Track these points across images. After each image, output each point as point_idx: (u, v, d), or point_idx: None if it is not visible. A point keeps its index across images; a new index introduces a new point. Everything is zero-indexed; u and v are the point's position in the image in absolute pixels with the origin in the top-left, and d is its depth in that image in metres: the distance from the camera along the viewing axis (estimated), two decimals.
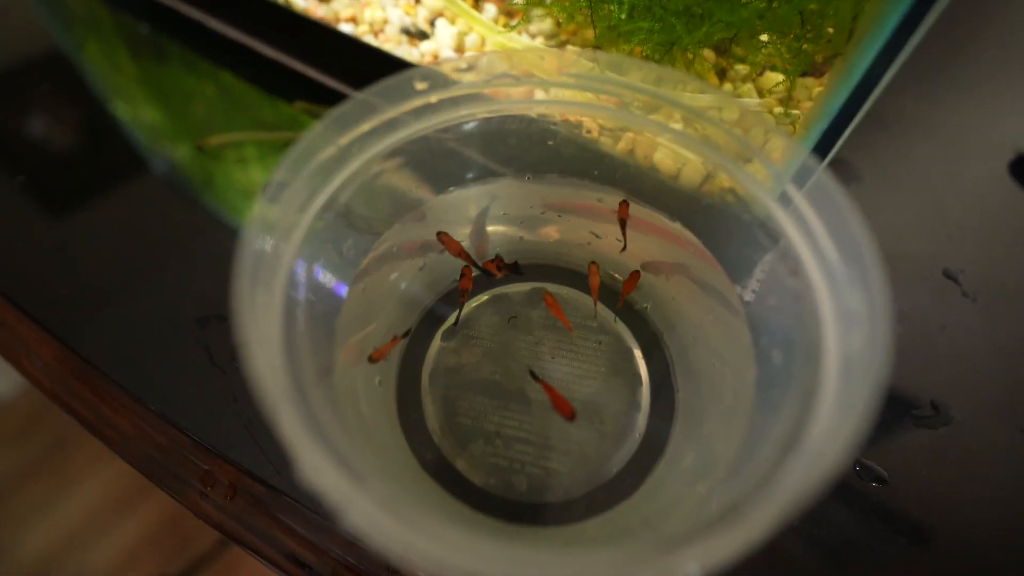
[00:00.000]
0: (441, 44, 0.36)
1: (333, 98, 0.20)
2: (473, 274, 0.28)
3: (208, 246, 0.34)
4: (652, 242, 0.28)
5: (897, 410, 0.29)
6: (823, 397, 0.16)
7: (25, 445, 0.92)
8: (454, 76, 0.22)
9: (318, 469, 0.14)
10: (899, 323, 0.31)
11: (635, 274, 0.28)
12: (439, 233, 0.28)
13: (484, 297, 0.29)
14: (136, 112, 0.42)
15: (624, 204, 0.27)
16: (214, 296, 0.31)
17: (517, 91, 0.24)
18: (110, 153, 0.40)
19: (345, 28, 0.37)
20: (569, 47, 0.33)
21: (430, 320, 0.28)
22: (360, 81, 0.21)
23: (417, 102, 0.22)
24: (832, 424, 0.15)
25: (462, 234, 0.29)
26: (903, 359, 0.30)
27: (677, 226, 0.26)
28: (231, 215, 0.36)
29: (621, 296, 0.28)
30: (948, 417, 0.29)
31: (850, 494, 0.26)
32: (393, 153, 0.22)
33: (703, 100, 0.24)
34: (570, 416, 0.25)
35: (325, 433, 0.16)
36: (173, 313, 0.31)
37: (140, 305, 0.32)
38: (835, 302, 0.17)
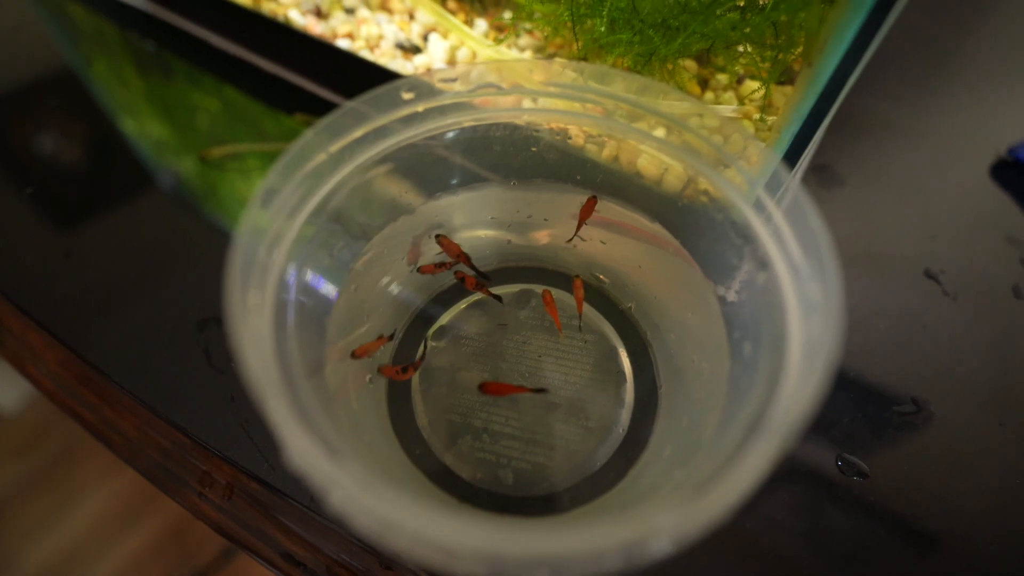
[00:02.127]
0: (434, 58, 0.37)
1: (331, 110, 0.21)
2: (467, 278, 0.29)
3: (210, 254, 0.35)
4: (629, 243, 0.29)
5: (879, 407, 0.29)
6: (786, 381, 0.16)
7: (30, 458, 0.93)
8: (442, 86, 0.23)
9: (303, 452, 0.15)
10: (881, 321, 0.32)
11: (592, 200, 0.28)
12: (438, 236, 0.29)
13: (473, 298, 0.30)
14: (142, 126, 0.44)
15: (592, 199, 0.28)
16: (213, 301, 0.32)
17: (505, 101, 0.25)
18: (116, 166, 0.41)
19: (342, 44, 0.38)
20: (556, 59, 0.34)
21: (421, 321, 0.29)
22: (356, 93, 0.22)
23: (405, 111, 0.23)
24: (791, 402, 0.15)
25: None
26: (885, 357, 0.31)
27: (657, 227, 0.27)
28: (233, 224, 0.37)
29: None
30: (929, 413, 0.29)
31: (831, 488, 0.27)
32: (383, 160, 0.23)
33: (680, 108, 0.25)
34: (487, 389, 0.27)
35: (313, 420, 0.17)
36: (175, 318, 0.32)
37: (144, 311, 0.33)
38: (798, 294, 0.18)
